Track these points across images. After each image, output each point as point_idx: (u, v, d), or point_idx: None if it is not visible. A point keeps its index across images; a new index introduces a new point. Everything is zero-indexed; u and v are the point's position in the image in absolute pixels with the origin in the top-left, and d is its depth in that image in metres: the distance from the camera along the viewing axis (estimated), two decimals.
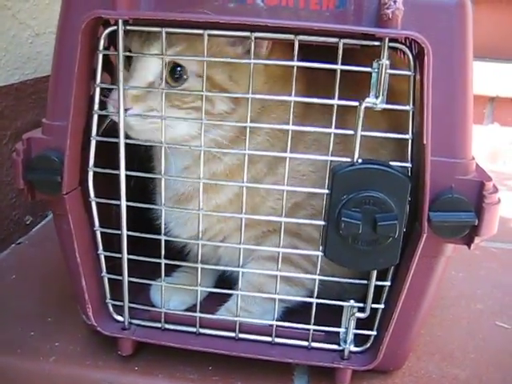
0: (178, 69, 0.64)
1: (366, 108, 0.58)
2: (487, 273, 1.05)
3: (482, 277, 1.03)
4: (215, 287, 0.80)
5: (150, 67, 0.63)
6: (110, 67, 0.71)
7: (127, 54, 0.63)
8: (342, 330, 0.68)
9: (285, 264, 0.68)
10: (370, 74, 0.57)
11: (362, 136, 0.59)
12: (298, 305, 0.74)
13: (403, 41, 0.61)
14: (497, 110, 1.78)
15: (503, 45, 1.81)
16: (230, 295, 0.76)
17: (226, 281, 0.78)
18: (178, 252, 0.79)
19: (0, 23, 0.94)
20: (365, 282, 0.65)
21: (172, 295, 0.76)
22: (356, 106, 0.58)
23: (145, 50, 0.63)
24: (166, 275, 0.70)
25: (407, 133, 0.60)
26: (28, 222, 1.08)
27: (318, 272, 0.66)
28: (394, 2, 0.54)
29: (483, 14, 1.76)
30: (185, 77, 0.64)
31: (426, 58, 0.55)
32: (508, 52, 1.81)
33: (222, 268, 0.70)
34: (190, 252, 0.79)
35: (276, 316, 0.69)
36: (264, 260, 0.74)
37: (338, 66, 0.58)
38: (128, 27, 0.60)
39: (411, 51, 0.59)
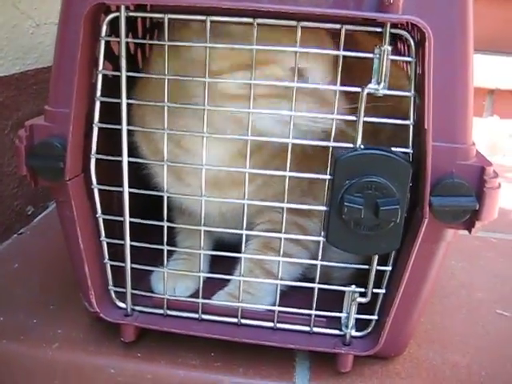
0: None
1: None
2: (487, 262, 1.06)
3: (481, 266, 1.04)
4: (214, 267, 0.80)
5: None
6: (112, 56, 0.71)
7: (129, 40, 0.63)
8: (343, 314, 0.68)
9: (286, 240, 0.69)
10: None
11: None
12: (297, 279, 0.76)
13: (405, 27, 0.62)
14: (496, 103, 1.78)
15: (503, 37, 1.81)
16: (231, 273, 0.77)
17: (225, 261, 0.76)
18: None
19: (1, 13, 0.94)
20: (366, 266, 0.65)
21: (177, 282, 0.77)
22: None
23: None
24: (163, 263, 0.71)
25: None
26: (29, 213, 1.08)
27: (319, 258, 0.66)
28: None
29: (483, 7, 1.76)
30: None
31: (426, 42, 0.55)
32: (507, 45, 1.81)
33: (224, 254, 0.70)
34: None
35: (276, 297, 0.70)
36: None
37: (341, 52, 0.59)
38: (130, 13, 0.61)
39: (412, 37, 0.59)
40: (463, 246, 1.08)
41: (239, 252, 0.71)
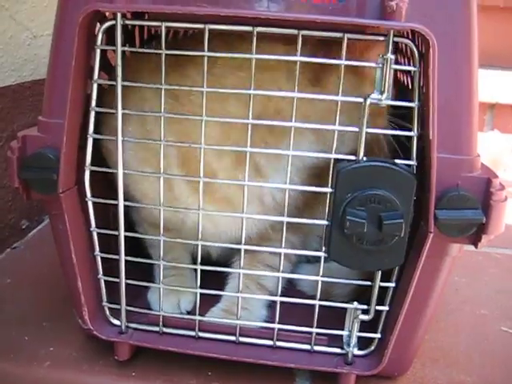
0: None
1: None
2: (491, 278, 1.03)
3: (485, 282, 1.02)
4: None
5: None
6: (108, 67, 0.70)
7: (126, 49, 0.61)
8: (345, 332, 0.66)
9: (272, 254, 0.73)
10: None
11: None
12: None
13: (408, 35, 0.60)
14: (497, 117, 1.77)
15: (503, 52, 1.81)
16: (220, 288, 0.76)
17: (210, 275, 0.72)
18: None
19: None
20: (369, 283, 0.63)
21: (181, 296, 0.75)
22: None
23: None
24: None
25: None
26: (24, 227, 1.06)
27: (320, 274, 0.64)
28: None
29: (482, 22, 1.75)
30: None
31: (430, 51, 0.54)
32: (508, 59, 1.80)
33: (220, 269, 0.68)
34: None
35: (276, 314, 0.67)
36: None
37: (343, 62, 0.57)
38: (127, 21, 0.59)
39: (416, 46, 0.57)
40: (466, 261, 1.06)
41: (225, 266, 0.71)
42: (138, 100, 0.65)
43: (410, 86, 0.84)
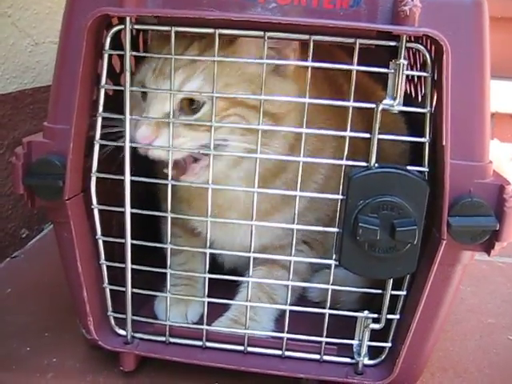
0: (195, 101, 0.63)
1: None
2: (496, 287, 1.03)
3: (491, 291, 1.01)
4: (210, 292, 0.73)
5: (165, 101, 0.61)
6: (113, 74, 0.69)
7: (134, 53, 0.61)
8: (355, 342, 0.65)
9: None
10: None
11: None
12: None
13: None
14: (496, 127, 1.77)
15: (502, 62, 1.81)
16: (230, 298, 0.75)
17: (221, 285, 0.71)
18: None
19: None
20: (379, 291, 0.62)
21: (188, 307, 0.74)
22: None
23: (160, 84, 0.63)
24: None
25: None
26: (24, 236, 1.04)
27: (330, 282, 0.63)
28: None
29: None
30: (199, 106, 0.63)
31: (444, 56, 0.53)
32: (507, 69, 1.81)
33: (230, 278, 0.67)
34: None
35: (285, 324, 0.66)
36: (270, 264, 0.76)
37: (354, 67, 0.56)
38: (135, 26, 0.58)
39: (429, 52, 0.57)
40: (470, 270, 1.05)
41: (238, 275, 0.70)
42: None
43: (414, 95, 0.84)
